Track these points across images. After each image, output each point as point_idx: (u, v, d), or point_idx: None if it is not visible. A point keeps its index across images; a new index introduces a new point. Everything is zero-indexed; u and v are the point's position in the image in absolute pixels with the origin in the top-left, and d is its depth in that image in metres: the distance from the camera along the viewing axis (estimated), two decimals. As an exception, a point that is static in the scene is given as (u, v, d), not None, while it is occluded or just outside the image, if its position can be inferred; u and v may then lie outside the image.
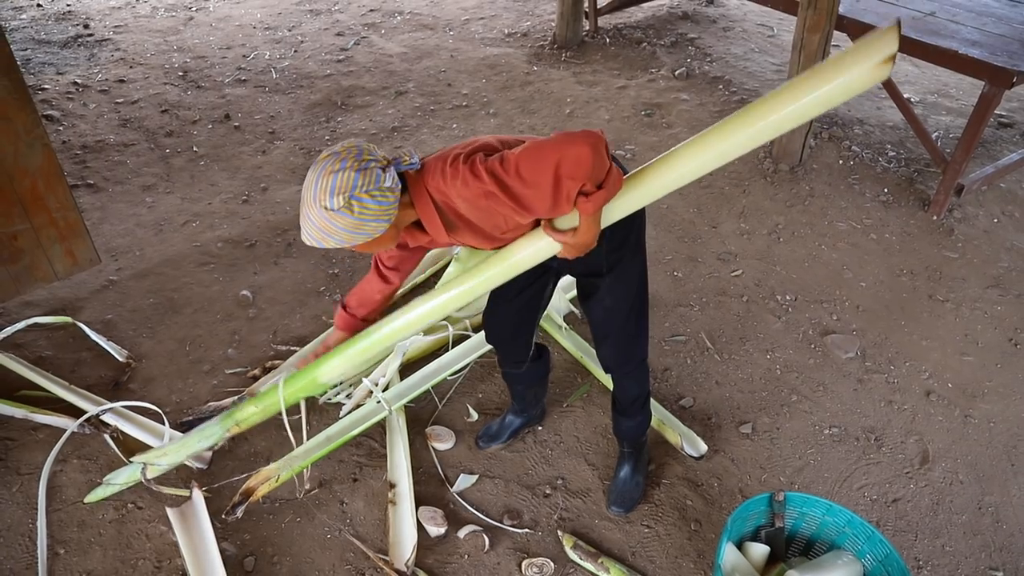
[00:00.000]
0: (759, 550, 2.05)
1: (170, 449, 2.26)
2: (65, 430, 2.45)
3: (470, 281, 1.82)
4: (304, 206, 1.53)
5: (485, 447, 2.49)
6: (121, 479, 2.29)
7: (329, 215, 1.50)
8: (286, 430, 2.22)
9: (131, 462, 2.28)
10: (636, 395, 2.20)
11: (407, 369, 2.70)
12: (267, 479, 2.25)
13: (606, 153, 1.52)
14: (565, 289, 3.00)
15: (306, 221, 1.54)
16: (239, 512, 2.20)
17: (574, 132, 1.52)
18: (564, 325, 2.89)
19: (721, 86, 4.85)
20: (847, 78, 1.38)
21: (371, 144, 1.57)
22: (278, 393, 2.13)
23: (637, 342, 2.09)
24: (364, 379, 2.55)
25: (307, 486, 2.36)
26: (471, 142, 1.65)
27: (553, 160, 1.48)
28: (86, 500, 2.28)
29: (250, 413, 2.18)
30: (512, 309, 2.08)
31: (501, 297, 2.08)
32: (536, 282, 2.01)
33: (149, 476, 2.24)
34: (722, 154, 1.53)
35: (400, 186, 1.57)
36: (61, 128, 4.41)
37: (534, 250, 1.72)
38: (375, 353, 2.05)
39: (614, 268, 1.91)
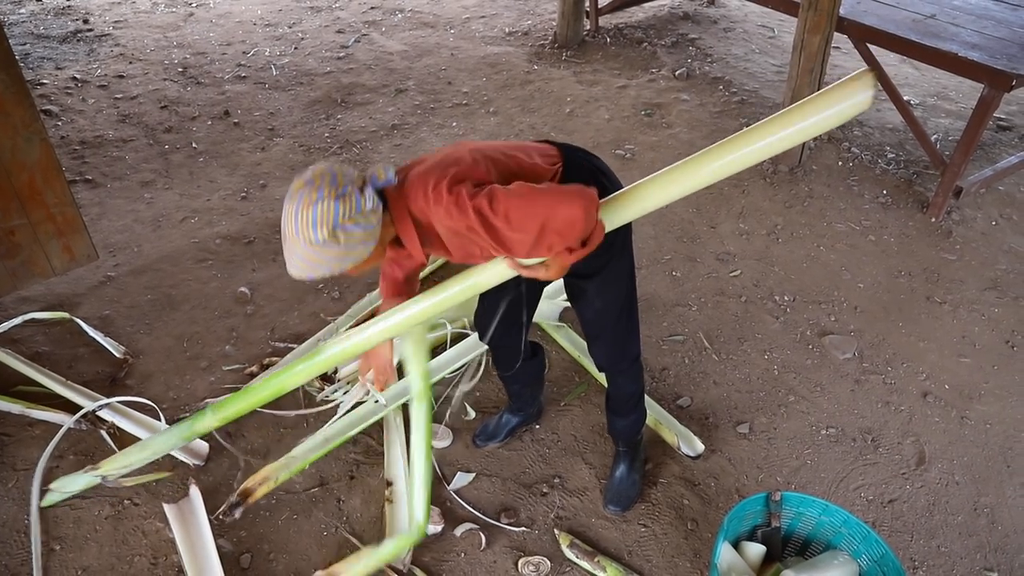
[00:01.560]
0: (755, 550, 2.05)
1: (128, 457, 2.22)
2: (61, 426, 2.45)
3: (436, 296, 1.80)
4: (287, 242, 1.49)
5: (482, 445, 2.49)
6: (75, 487, 2.26)
7: (315, 249, 1.47)
8: (230, 450, 2.29)
9: (88, 474, 2.24)
10: (631, 393, 2.20)
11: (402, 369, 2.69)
12: (265, 479, 2.25)
13: (596, 212, 1.54)
14: (552, 294, 2.99)
15: (291, 255, 1.50)
16: (237, 514, 2.20)
17: (570, 190, 1.52)
18: (561, 324, 2.89)
19: (721, 87, 4.85)
20: (819, 119, 1.45)
21: (342, 165, 1.54)
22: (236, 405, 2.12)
23: (630, 339, 2.10)
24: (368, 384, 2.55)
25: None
26: (451, 158, 1.60)
27: (544, 215, 1.49)
28: (43, 504, 2.26)
29: (208, 425, 2.16)
30: (500, 310, 2.06)
31: (489, 298, 2.07)
32: (522, 283, 1.99)
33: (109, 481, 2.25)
34: (695, 183, 1.57)
35: (380, 205, 1.55)
36: (60, 123, 4.40)
37: (500, 273, 1.73)
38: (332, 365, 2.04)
39: (601, 271, 1.90)
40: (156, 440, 2.22)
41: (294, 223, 1.46)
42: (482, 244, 1.57)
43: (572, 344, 2.81)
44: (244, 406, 2.10)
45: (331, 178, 1.49)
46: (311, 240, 1.45)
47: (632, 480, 2.32)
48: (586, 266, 1.80)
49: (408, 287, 1.96)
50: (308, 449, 2.34)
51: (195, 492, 2.26)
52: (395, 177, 1.57)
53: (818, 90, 3.73)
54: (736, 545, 2.07)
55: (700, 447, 2.46)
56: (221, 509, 2.21)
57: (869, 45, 3.87)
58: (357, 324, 2.87)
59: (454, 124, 4.51)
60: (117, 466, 2.22)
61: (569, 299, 2.06)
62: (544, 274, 1.65)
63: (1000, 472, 2.48)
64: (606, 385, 2.23)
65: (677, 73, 5.00)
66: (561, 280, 1.88)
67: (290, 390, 2.10)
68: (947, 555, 2.23)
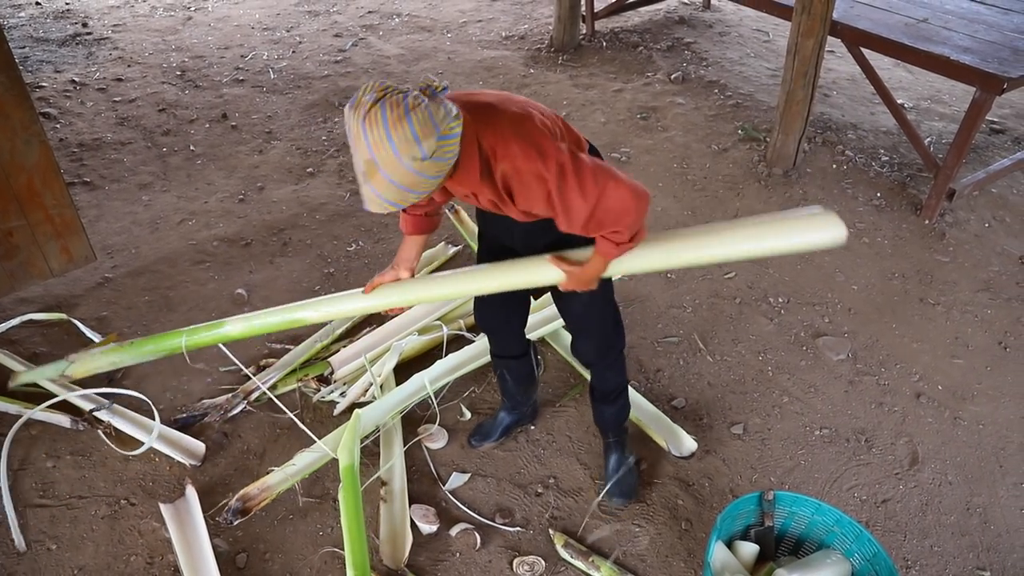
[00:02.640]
0: (749, 549, 2.06)
1: (106, 357, 2.29)
2: (61, 426, 2.46)
3: (469, 282, 1.87)
4: (376, 172, 1.34)
5: (477, 445, 2.50)
6: (44, 375, 2.43)
7: (421, 166, 1.34)
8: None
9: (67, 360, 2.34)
10: (618, 383, 2.23)
11: (400, 368, 2.70)
12: (265, 488, 2.25)
13: (645, 212, 1.59)
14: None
15: (384, 186, 1.36)
16: (235, 521, 2.21)
17: (633, 181, 1.56)
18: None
19: (716, 90, 4.87)
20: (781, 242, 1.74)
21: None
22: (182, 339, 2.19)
23: (616, 332, 2.13)
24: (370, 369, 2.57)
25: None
26: (524, 104, 1.57)
27: (606, 192, 1.52)
28: (11, 385, 2.46)
29: (148, 349, 2.26)
30: (499, 298, 2.07)
31: None
32: None
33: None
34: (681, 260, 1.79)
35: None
36: (58, 126, 4.41)
37: (536, 276, 1.81)
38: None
39: None
40: (135, 345, 2.27)
41: (388, 146, 1.32)
42: (538, 198, 1.54)
43: (565, 347, 2.82)
44: (252, 328, 2.13)
45: (393, 87, 1.36)
46: (417, 156, 1.34)
47: (628, 467, 2.33)
48: None
49: (430, 223, 1.92)
50: (307, 464, 2.34)
51: (191, 492, 2.27)
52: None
53: (812, 93, 3.76)
54: (730, 544, 2.08)
55: (690, 447, 2.47)
56: (220, 511, 2.22)
57: (862, 49, 3.90)
58: (354, 326, 2.90)
59: (451, 127, 4.52)
60: (90, 366, 2.29)
61: (553, 297, 2.07)
62: (578, 274, 1.71)
63: (993, 472, 2.49)
64: (589, 379, 2.26)
65: (673, 77, 5.03)
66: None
67: (301, 324, 2.07)
68: (940, 554, 2.25)
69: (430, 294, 1.95)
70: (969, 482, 2.46)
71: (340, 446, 2.22)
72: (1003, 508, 2.38)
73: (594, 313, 2.04)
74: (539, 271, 1.82)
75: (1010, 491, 2.43)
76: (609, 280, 2.00)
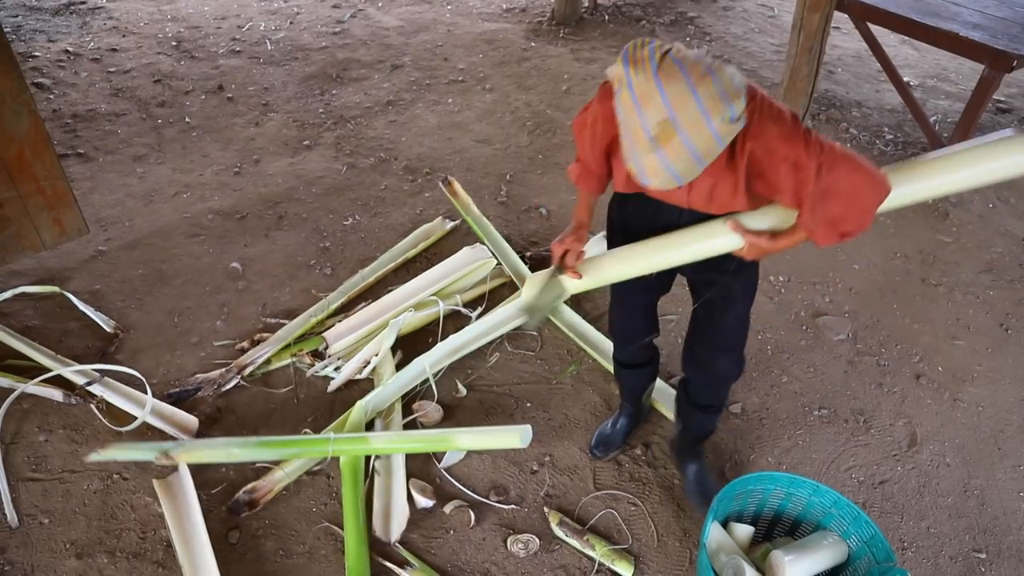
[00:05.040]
0: (744, 530, 2.05)
1: None
2: (53, 400, 2.44)
3: (662, 252, 1.75)
4: (675, 136, 1.22)
5: (602, 456, 2.37)
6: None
7: (727, 129, 1.24)
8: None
9: None
10: (727, 393, 2.13)
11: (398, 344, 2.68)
12: (272, 480, 2.23)
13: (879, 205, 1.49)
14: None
15: (677, 153, 1.25)
16: (243, 514, 2.19)
17: (882, 176, 1.45)
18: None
19: (720, 66, 4.80)
20: None
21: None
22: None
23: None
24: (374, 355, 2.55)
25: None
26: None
27: (861, 174, 1.42)
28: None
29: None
30: (642, 303, 1.98)
31: (630, 289, 1.94)
32: (663, 275, 1.89)
33: None
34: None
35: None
36: (52, 96, 4.35)
37: (713, 242, 1.66)
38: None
39: (755, 263, 1.78)
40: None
41: (694, 102, 1.20)
42: (779, 179, 1.42)
43: (564, 322, 2.79)
44: None
45: (677, 47, 1.26)
46: (725, 117, 1.23)
47: (709, 472, 2.28)
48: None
49: (602, 186, 1.84)
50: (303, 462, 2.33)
51: (184, 468, 2.25)
52: None
53: (816, 70, 3.69)
54: (725, 525, 2.07)
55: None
56: (216, 491, 2.21)
57: (869, 24, 3.83)
58: (349, 301, 2.87)
59: (450, 100, 4.46)
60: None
61: (704, 309, 1.90)
62: (765, 245, 1.56)
63: (991, 454, 2.48)
64: (689, 388, 2.12)
65: (676, 52, 4.95)
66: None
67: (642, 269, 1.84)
68: (936, 536, 2.24)
69: (629, 268, 1.81)
70: (967, 464, 2.44)
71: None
72: (1000, 490, 2.37)
73: (744, 327, 1.91)
74: (716, 237, 1.65)
75: (1008, 473, 2.42)
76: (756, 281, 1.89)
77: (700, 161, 1.30)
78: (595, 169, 1.78)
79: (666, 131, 1.22)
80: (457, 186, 3.40)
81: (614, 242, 1.92)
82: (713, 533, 1.98)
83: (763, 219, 1.60)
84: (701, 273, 1.85)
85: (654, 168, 1.29)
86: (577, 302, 2.93)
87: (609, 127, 1.56)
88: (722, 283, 1.82)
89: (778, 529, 2.14)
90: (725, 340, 1.94)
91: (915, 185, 1.56)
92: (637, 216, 1.81)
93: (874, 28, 3.84)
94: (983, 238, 3.42)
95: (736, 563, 1.93)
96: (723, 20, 5.54)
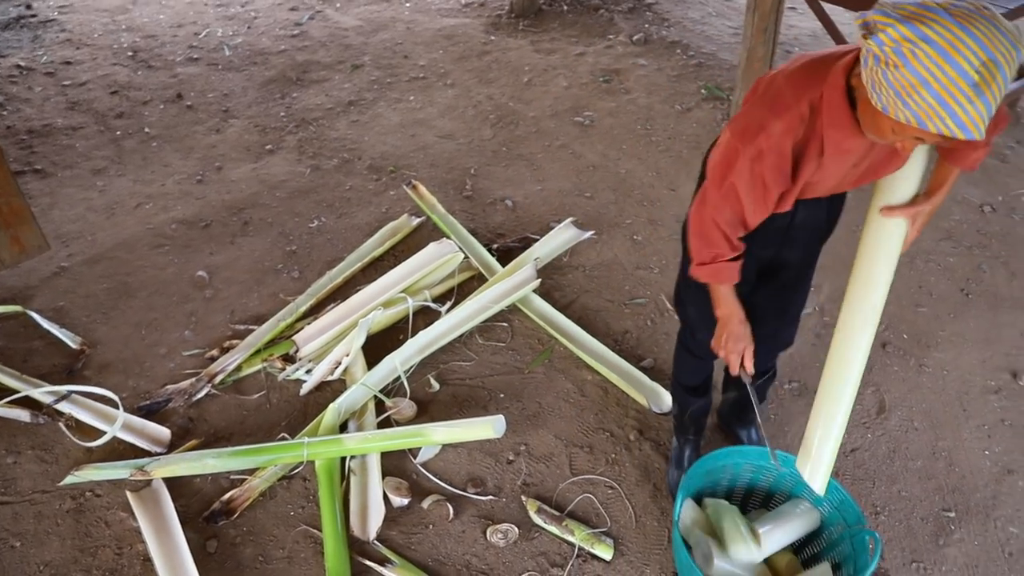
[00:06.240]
0: (719, 506, 2.07)
1: None
2: (21, 421, 2.41)
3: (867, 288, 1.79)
4: (997, 76, 1.15)
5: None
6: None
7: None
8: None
9: None
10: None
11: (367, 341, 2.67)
12: (248, 488, 2.23)
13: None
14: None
15: (997, 97, 1.17)
16: (221, 523, 2.18)
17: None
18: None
19: (679, 50, 4.83)
20: None
21: None
22: None
23: None
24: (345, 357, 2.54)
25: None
26: None
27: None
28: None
29: None
30: (711, 355, 1.91)
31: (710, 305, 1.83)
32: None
33: None
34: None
35: None
36: (5, 113, 4.28)
37: (894, 243, 1.66)
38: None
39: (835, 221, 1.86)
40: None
41: (1002, 37, 1.14)
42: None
43: (536, 311, 2.80)
44: None
45: None
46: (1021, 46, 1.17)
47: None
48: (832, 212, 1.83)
49: (739, 266, 1.73)
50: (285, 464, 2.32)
51: (159, 480, 2.24)
52: None
53: (773, 50, 3.72)
54: (699, 501, 2.09)
55: (669, 403, 2.46)
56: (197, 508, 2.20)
57: (822, 2, 3.87)
58: (318, 303, 2.86)
59: (411, 98, 4.45)
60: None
61: (781, 288, 1.89)
62: (928, 208, 1.60)
63: (957, 416, 2.52)
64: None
65: (634, 39, 4.97)
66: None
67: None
68: (907, 499, 2.28)
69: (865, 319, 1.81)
70: (934, 427, 2.49)
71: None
72: (967, 450, 2.42)
73: (807, 293, 1.95)
74: (892, 236, 1.65)
75: (973, 433, 2.47)
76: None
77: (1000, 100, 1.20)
78: (734, 249, 1.64)
79: (989, 73, 1.15)
80: (422, 188, 3.40)
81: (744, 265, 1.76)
82: (686, 510, 2.01)
83: (904, 185, 1.55)
84: (796, 251, 1.85)
85: (980, 116, 1.18)
86: (546, 291, 2.94)
87: (785, 159, 1.48)
88: (798, 257, 1.86)
89: (752, 501, 2.17)
90: (793, 311, 1.99)
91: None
92: (774, 233, 1.77)
93: (827, 7, 3.88)
94: (942, 207, 3.46)
95: (705, 548, 1.95)
96: (681, 5, 5.57)
